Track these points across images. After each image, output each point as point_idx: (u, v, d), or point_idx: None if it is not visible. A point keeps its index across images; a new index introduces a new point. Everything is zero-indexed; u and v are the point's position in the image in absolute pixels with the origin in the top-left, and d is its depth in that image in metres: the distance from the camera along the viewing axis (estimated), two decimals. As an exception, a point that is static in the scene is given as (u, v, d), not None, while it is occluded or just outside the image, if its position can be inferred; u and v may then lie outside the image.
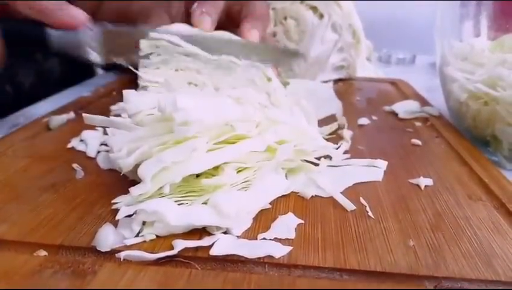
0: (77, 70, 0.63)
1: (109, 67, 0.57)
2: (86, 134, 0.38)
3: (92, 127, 0.38)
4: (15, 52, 0.38)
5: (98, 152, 0.35)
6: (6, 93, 0.55)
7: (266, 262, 0.23)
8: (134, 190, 0.25)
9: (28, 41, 0.32)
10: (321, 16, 0.62)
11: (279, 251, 0.23)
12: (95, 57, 0.40)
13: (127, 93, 0.31)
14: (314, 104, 0.39)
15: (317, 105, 0.44)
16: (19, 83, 0.57)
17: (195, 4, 0.47)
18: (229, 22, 0.48)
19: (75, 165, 0.33)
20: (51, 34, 0.39)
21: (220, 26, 0.47)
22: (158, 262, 0.22)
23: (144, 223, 0.25)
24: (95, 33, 0.40)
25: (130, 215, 0.25)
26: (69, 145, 0.37)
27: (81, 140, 0.37)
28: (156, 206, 0.24)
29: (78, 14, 0.40)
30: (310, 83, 0.56)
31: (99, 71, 0.69)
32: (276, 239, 0.25)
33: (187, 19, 0.49)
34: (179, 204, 0.26)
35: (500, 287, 0.22)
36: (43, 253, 0.23)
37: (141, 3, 0.52)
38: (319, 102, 0.48)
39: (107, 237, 0.23)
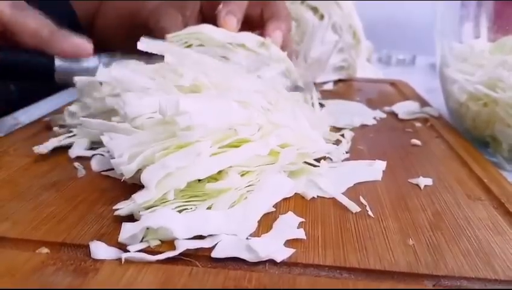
0: None
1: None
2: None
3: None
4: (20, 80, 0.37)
5: (93, 155, 0.35)
6: (10, 92, 0.56)
7: (267, 260, 0.23)
8: (138, 198, 0.24)
9: (31, 71, 0.31)
10: (321, 17, 0.62)
11: (281, 254, 0.23)
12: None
13: (126, 96, 0.30)
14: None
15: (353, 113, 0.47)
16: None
17: (221, 5, 0.47)
18: (248, 22, 0.48)
19: (76, 164, 0.33)
20: (56, 64, 0.38)
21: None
22: (159, 260, 0.22)
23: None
24: (101, 61, 0.39)
25: (131, 216, 0.25)
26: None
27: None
28: (162, 221, 0.23)
29: (82, 43, 0.39)
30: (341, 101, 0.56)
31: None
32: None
33: (202, 19, 0.49)
34: (182, 209, 0.26)
35: (499, 287, 0.22)
36: (45, 250, 0.23)
37: (154, 3, 0.51)
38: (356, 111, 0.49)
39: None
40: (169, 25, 0.46)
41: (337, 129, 0.43)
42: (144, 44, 0.32)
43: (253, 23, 0.49)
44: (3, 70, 0.36)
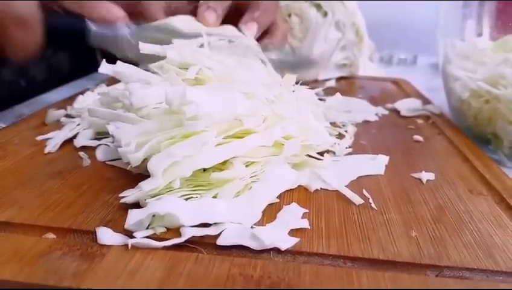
0: (86, 64, 0.64)
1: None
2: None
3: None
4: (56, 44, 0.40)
5: (99, 145, 0.35)
6: (20, 86, 0.56)
7: (271, 248, 0.23)
8: (145, 185, 0.25)
9: (68, 34, 0.33)
10: (325, 14, 0.62)
11: (286, 243, 0.23)
12: (130, 53, 0.41)
13: (132, 86, 0.31)
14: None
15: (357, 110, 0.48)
16: (31, 76, 0.58)
17: (201, 0, 0.47)
18: (239, 16, 0.49)
19: (81, 153, 0.33)
20: (91, 28, 0.40)
21: (230, 21, 0.48)
22: (165, 246, 0.23)
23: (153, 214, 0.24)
24: (131, 30, 0.42)
25: (137, 204, 0.26)
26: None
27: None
28: (168, 207, 0.23)
29: (117, 10, 0.42)
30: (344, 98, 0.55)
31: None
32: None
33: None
34: (188, 197, 0.26)
35: (501, 278, 0.22)
36: (51, 236, 0.23)
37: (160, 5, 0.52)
38: (358, 108, 0.50)
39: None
40: (149, 10, 0.48)
41: (339, 125, 0.43)
42: (93, 112, 0.34)
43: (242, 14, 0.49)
44: (47, 34, 0.38)
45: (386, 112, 0.50)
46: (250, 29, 0.47)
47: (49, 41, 0.39)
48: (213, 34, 0.45)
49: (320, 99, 0.43)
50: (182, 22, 0.46)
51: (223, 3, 0.48)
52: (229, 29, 0.47)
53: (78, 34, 0.36)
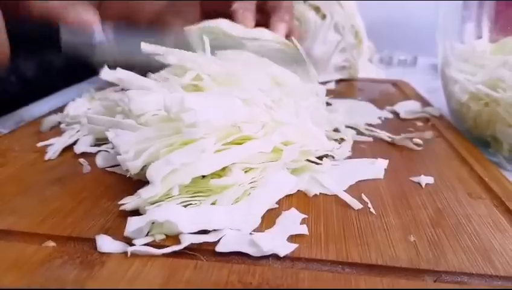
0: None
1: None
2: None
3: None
4: (26, 51, 0.38)
5: (99, 151, 0.35)
6: (11, 83, 0.56)
7: (270, 255, 0.23)
8: (144, 193, 0.25)
9: (38, 40, 0.32)
10: (324, 16, 0.62)
11: (284, 249, 0.23)
12: (103, 58, 0.40)
13: (131, 93, 0.31)
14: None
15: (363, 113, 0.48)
16: (22, 73, 0.58)
17: (235, 4, 0.48)
18: (260, 15, 0.49)
19: (81, 160, 0.33)
20: (62, 34, 0.38)
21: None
22: (165, 254, 0.23)
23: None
24: (106, 35, 0.40)
25: (136, 211, 0.26)
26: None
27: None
28: (167, 214, 0.24)
29: (89, 14, 0.40)
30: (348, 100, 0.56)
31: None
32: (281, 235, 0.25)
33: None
34: (187, 204, 0.26)
35: (499, 282, 0.22)
36: (51, 244, 0.23)
37: (152, 7, 0.52)
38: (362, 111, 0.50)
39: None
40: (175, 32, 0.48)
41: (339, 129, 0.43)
42: (92, 120, 0.33)
43: (263, 15, 0.50)
44: (13, 41, 0.36)
45: (390, 116, 0.49)
46: (281, 30, 0.48)
47: (18, 49, 0.38)
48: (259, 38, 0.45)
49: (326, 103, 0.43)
50: (228, 24, 0.46)
51: (252, 4, 0.48)
52: (265, 32, 0.48)
53: (48, 41, 0.34)
